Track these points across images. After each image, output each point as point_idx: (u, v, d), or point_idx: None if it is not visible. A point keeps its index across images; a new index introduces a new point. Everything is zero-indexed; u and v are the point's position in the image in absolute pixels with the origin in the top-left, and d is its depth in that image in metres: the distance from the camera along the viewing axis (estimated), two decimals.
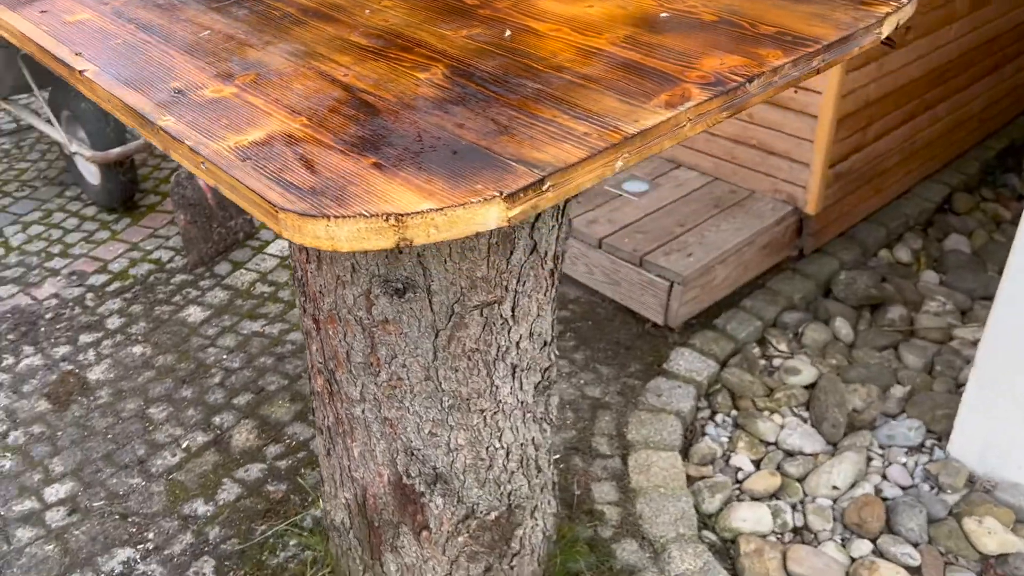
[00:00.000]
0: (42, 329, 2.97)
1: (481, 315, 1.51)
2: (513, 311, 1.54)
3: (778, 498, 2.37)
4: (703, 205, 3.16)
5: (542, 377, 1.72)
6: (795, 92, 2.96)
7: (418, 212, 0.83)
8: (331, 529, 2.01)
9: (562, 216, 1.53)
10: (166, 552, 2.16)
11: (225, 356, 2.84)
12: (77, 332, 2.95)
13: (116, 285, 3.19)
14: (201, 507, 2.29)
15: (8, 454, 2.47)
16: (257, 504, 2.29)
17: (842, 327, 2.94)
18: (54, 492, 2.34)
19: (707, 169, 3.35)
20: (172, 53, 1.20)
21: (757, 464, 2.49)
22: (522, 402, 1.69)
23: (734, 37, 1.19)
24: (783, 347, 2.90)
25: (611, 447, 2.47)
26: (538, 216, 1.45)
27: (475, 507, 1.74)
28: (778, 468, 2.46)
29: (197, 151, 0.94)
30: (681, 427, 2.52)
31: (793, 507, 2.35)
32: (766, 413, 2.63)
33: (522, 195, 0.86)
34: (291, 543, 2.17)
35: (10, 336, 2.94)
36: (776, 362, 2.86)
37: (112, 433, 2.54)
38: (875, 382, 2.70)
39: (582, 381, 2.71)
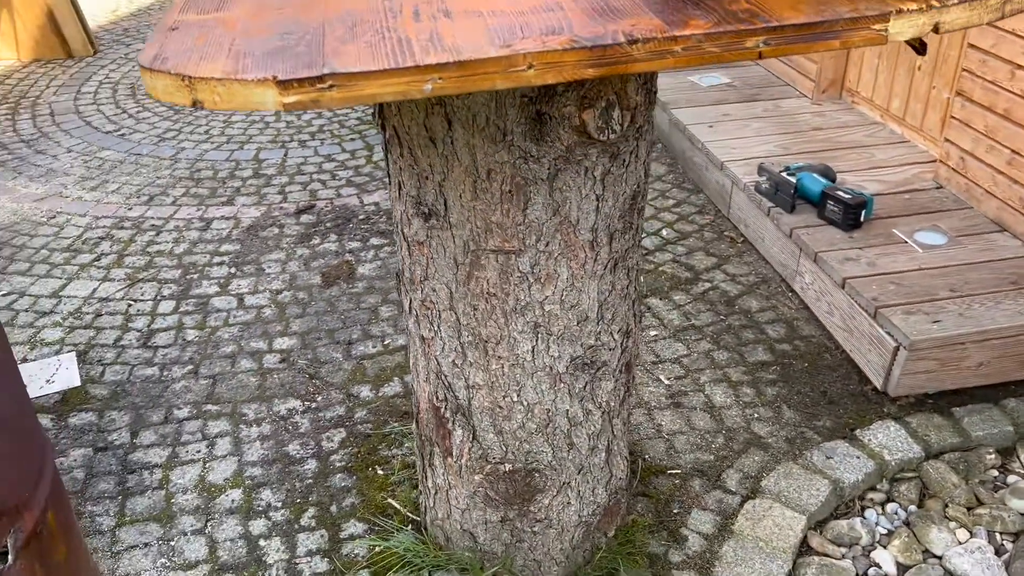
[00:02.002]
0: (351, 225, 3.57)
1: (497, 261, 1.56)
2: (533, 268, 1.56)
3: None
4: (998, 278, 2.65)
5: (584, 353, 1.71)
6: None
7: (203, 78, 0.97)
8: None
9: (602, 187, 1.51)
10: (319, 414, 2.55)
11: None
12: (372, 234, 3.50)
13: None
14: (365, 392, 2.63)
15: (272, 305, 3.07)
16: (404, 405, 2.57)
17: None
18: (281, 343, 2.87)
19: None
20: None
21: (903, 571, 2.10)
22: (550, 367, 1.69)
23: (689, 3, 1.09)
24: None
25: (739, 486, 2.27)
26: (556, 175, 1.46)
27: (489, 451, 1.80)
28: None
29: (158, 21, 1.18)
30: (829, 495, 2.22)
31: None
32: (952, 524, 2.19)
33: (296, 85, 0.96)
34: (405, 444, 2.41)
35: (328, 225, 3.59)
36: (1011, 480, 2.33)
37: (345, 316, 3.00)
38: None
39: (755, 415, 2.51)
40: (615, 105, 1.38)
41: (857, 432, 2.42)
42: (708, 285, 3.11)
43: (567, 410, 1.77)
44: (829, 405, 2.55)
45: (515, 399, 1.73)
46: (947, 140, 3.15)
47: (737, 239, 3.38)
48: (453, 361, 1.73)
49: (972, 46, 2.95)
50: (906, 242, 2.86)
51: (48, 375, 2.72)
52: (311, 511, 2.22)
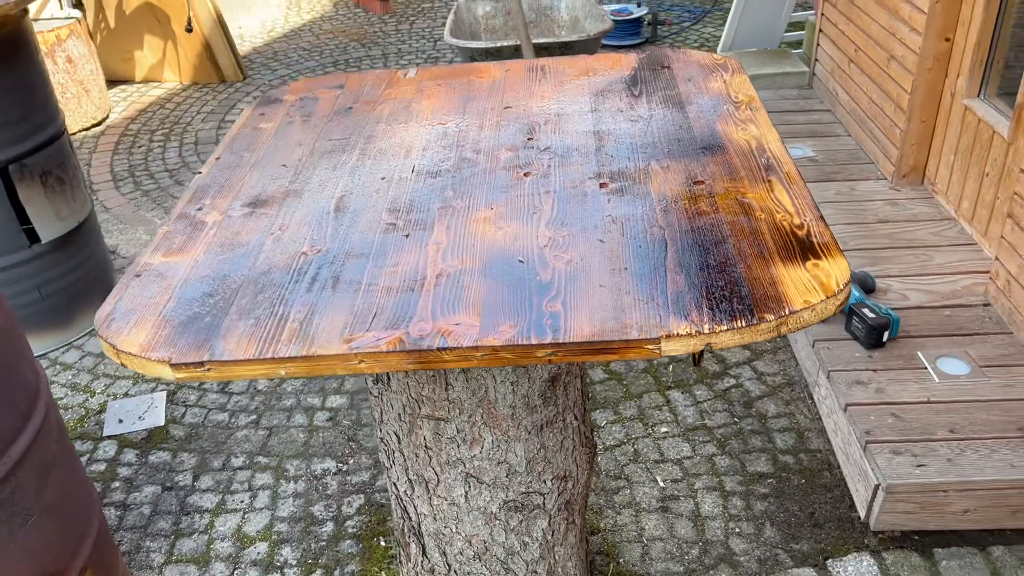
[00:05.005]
0: None
1: (429, 424, 1.83)
2: (459, 433, 1.83)
3: None
4: (1006, 421, 2.64)
5: (517, 498, 1.96)
6: None
7: (126, 352, 1.31)
8: None
9: (515, 376, 1.74)
10: (347, 477, 2.92)
11: None
12: None
13: None
14: None
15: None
16: None
17: None
18: (333, 400, 3.26)
19: None
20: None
21: None
22: (483, 508, 1.95)
23: (508, 306, 1.32)
24: None
25: None
26: (463, 369, 1.71)
27: (436, 567, 2.09)
28: None
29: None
30: None
31: None
32: None
33: (184, 367, 1.27)
34: None
35: None
36: None
37: None
38: None
39: (737, 529, 2.65)
40: None
41: (829, 562, 2.53)
42: (733, 382, 3.23)
43: (503, 542, 2.03)
44: (813, 528, 2.65)
45: (455, 530, 2.00)
46: (997, 259, 3.10)
47: None
48: (404, 491, 2.02)
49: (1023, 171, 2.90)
50: (925, 368, 2.87)
51: (141, 412, 3.24)
52: (318, 573, 2.59)
